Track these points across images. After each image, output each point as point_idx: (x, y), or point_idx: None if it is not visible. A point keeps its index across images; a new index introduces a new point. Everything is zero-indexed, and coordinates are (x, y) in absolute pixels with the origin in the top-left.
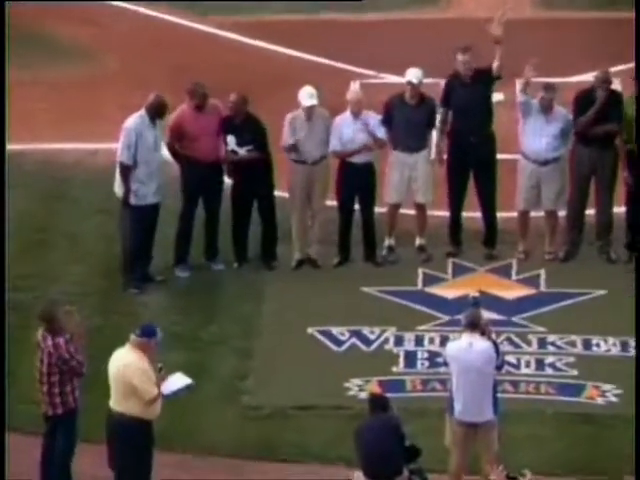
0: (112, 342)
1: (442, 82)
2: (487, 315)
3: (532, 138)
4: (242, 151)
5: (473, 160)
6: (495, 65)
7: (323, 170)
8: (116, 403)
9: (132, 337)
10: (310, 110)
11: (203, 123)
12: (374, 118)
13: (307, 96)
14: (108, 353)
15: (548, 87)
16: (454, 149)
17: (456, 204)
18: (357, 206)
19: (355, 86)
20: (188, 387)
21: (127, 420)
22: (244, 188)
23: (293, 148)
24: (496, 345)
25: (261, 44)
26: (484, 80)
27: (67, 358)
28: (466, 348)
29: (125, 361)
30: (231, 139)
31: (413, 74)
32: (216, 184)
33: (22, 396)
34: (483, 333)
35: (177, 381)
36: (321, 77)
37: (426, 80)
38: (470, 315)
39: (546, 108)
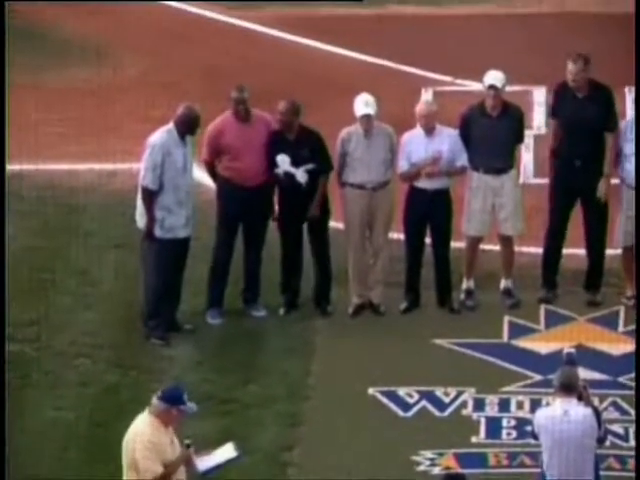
0: (130, 404)
1: (533, 90)
2: (586, 375)
3: (629, 158)
4: (299, 172)
5: (579, 187)
6: None
7: (386, 197)
8: (124, 474)
9: (153, 400)
10: (367, 122)
11: (248, 137)
12: (451, 137)
13: (362, 104)
14: (125, 417)
15: None
16: (557, 172)
17: (556, 238)
18: (428, 240)
19: (427, 95)
20: (231, 461)
21: None
22: (293, 213)
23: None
24: (597, 412)
25: (309, 42)
26: (601, 97)
27: None
28: (560, 417)
29: (136, 429)
30: (283, 158)
31: (494, 77)
32: (261, 213)
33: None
34: (580, 397)
35: (222, 454)
36: (384, 83)
37: (515, 87)
38: (564, 375)
39: None
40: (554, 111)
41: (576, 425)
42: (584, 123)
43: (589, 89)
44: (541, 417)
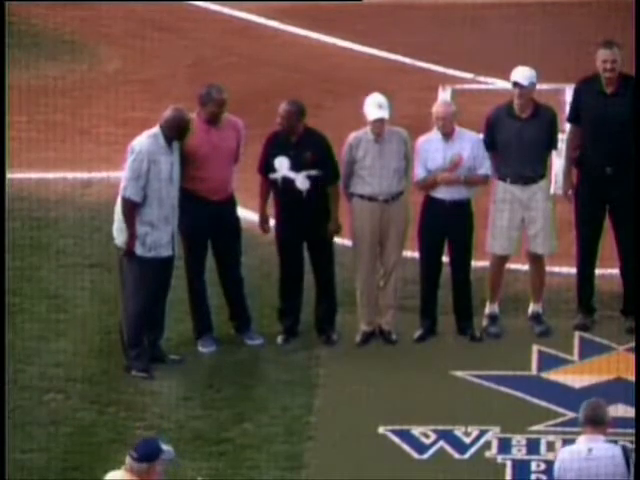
0: (108, 445)
1: (565, 88)
2: (626, 412)
3: None
4: (300, 177)
5: (610, 198)
6: None
7: (400, 210)
8: None
9: (128, 460)
10: (379, 126)
11: (216, 142)
12: (473, 141)
13: (375, 106)
14: (103, 460)
15: None
16: (584, 183)
17: (586, 257)
18: (447, 258)
19: (445, 95)
20: None
21: None
22: (292, 226)
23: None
24: (626, 452)
25: (312, 35)
26: (630, 90)
27: None
28: (584, 455)
29: None
30: (282, 162)
31: (522, 74)
32: (231, 229)
33: None
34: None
35: None
36: (397, 81)
37: (545, 86)
38: (591, 407)
39: None
40: (575, 114)
41: (598, 465)
42: (614, 122)
43: (618, 83)
44: (563, 457)
